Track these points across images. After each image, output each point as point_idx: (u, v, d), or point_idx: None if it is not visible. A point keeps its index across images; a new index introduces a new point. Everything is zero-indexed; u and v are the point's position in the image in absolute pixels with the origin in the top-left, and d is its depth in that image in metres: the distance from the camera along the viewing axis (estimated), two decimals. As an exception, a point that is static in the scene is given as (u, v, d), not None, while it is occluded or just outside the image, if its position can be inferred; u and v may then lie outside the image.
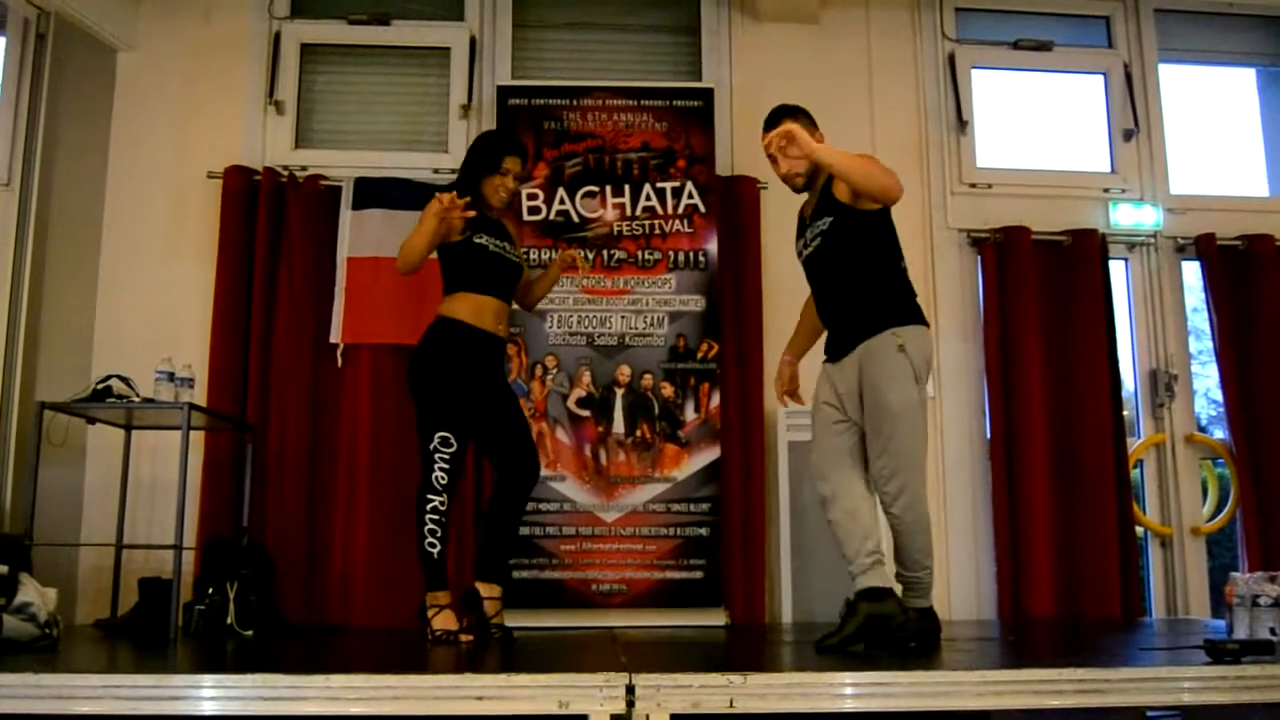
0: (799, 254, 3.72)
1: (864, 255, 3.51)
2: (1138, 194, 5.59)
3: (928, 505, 3.46)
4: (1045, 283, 5.30)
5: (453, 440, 3.71)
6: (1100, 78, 5.77)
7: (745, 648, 3.87)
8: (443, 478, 3.70)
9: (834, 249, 3.53)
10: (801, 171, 3.57)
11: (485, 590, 3.81)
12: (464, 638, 3.65)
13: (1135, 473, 5.36)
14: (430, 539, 3.69)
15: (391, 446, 4.91)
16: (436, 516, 3.69)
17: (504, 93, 5.19)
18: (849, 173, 3.37)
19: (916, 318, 3.52)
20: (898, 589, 3.43)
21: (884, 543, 3.45)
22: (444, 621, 3.68)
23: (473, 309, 3.78)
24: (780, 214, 5.26)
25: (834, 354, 3.59)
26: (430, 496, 3.69)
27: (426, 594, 3.74)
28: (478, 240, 3.82)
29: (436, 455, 3.71)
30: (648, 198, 5.03)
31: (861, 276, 3.51)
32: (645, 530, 4.80)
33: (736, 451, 5.00)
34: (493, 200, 3.87)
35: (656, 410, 4.90)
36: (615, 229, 5.04)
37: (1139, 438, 5.40)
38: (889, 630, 3.29)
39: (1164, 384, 5.37)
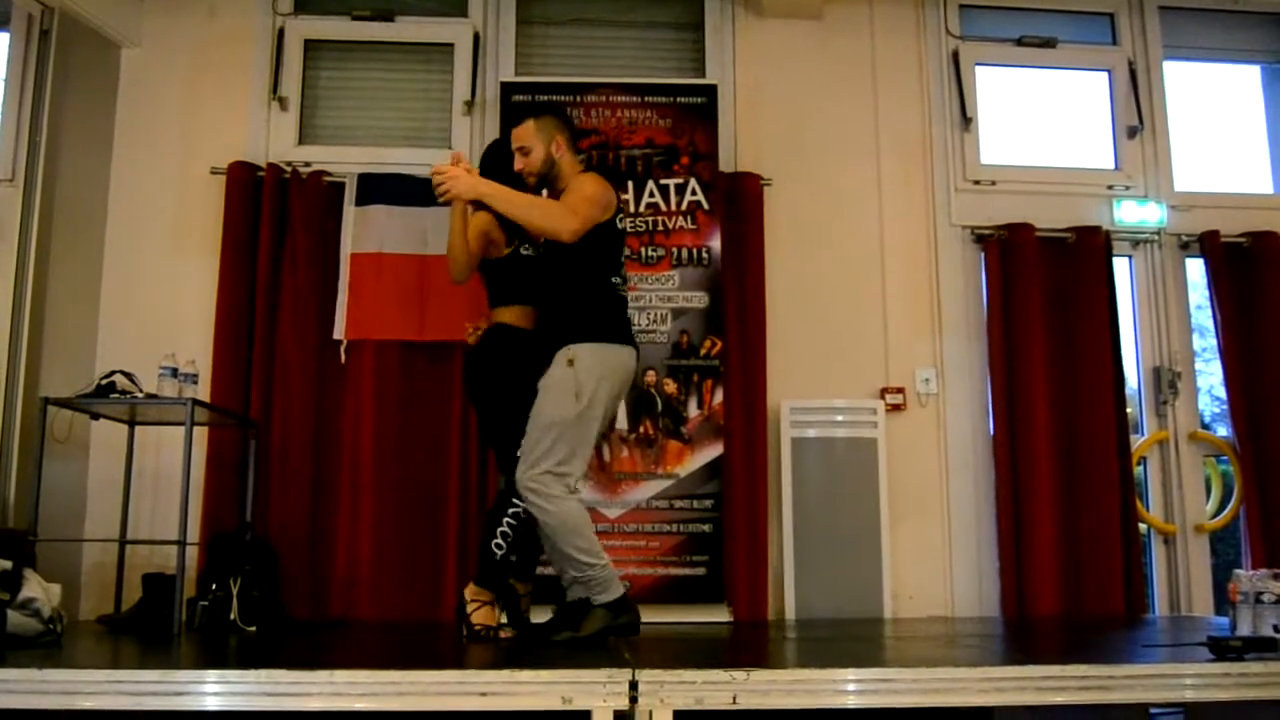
0: (537, 247, 3.83)
1: (567, 270, 3.62)
2: (1142, 191, 5.58)
3: (568, 509, 3.48)
4: (1049, 280, 5.29)
5: None
6: (1105, 74, 5.76)
7: (748, 644, 3.88)
8: None
9: (550, 257, 3.67)
10: (533, 171, 3.70)
11: (523, 588, 3.82)
12: (504, 634, 3.66)
13: (1139, 470, 5.35)
14: (499, 540, 3.66)
15: (395, 442, 4.93)
16: (514, 523, 3.65)
17: (508, 89, 5.19)
18: (509, 214, 3.56)
19: (602, 336, 3.57)
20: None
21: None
22: (484, 617, 3.68)
23: (527, 318, 3.80)
24: (784, 211, 5.29)
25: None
26: (516, 501, 3.62)
27: (470, 586, 3.73)
28: (524, 251, 3.85)
29: None
30: (651, 194, 5.03)
31: (559, 291, 3.64)
32: (648, 527, 4.80)
33: (739, 448, 4.99)
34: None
35: (659, 407, 4.90)
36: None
37: (1142, 435, 5.40)
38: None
39: (1167, 381, 5.37)
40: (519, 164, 3.71)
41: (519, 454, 3.52)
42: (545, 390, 3.53)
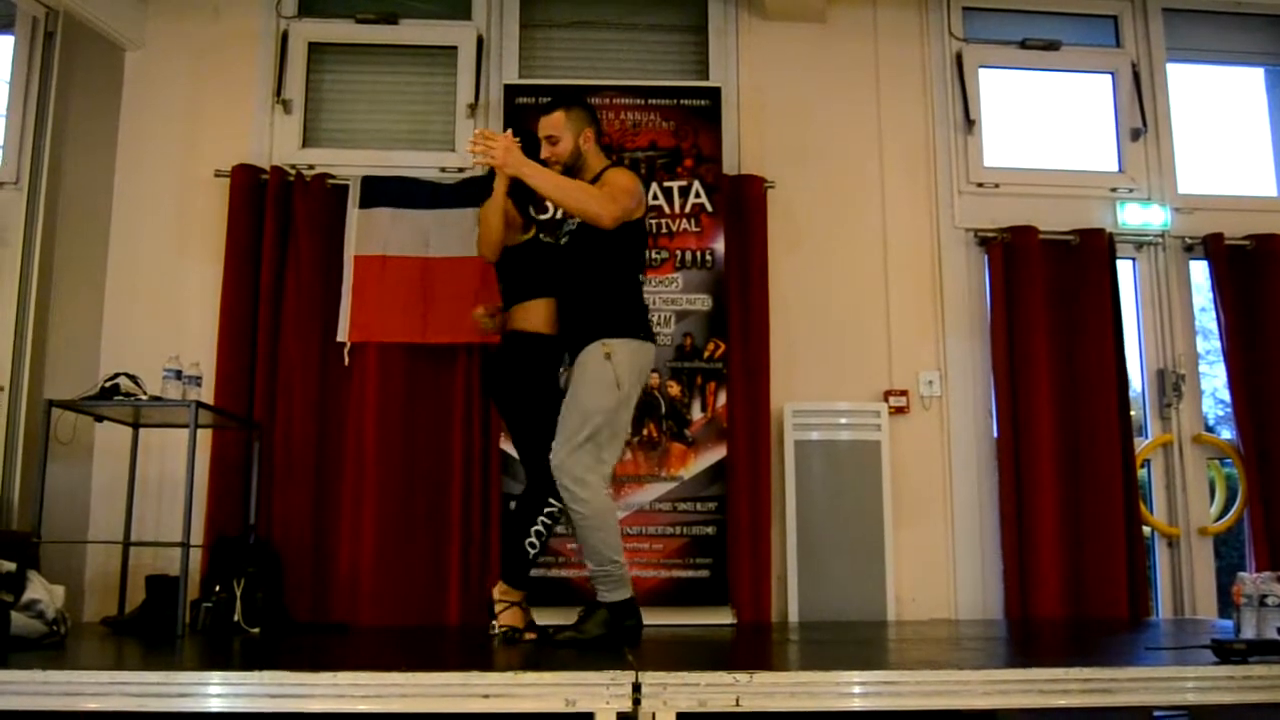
0: (558, 237, 3.82)
1: (600, 263, 3.62)
2: (1145, 193, 5.58)
3: (605, 502, 3.55)
4: (1053, 282, 5.29)
5: None
6: (1108, 77, 5.76)
7: (751, 646, 3.88)
8: None
9: (578, 249, 3.66)
10: (560, 161, 3.68)
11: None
12: (528, 635, 3.66)
13: (1142, 472, 5.35)
14: (533, 538, 3.64)
15: (398, 444, 4.93)
16: (549, 522, 3.65)
17: (511, 92, 5.20)
18: (551, 195, 3.59)
19: (634, 331, 3.60)
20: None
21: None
22: (511, 618, 3.67)
23: (546, 317, 3.75)
24: (787, 213, 5.30)
25: (569, 362, 3.70)
26: (552, 501, 3.63)
27: (499, 585, 3.72)
28: (544, 239, 3.83)
29: None
30: (654, 197, 5.03)
31: (592, 285, 3.63)
32: (652, 529, 4.80)
33: (743, 450, 4.99)
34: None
35: (663, 409, 4.90)
36: (622, 228, 5.04)
37: (1146, 437, 5.39)
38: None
39: (1171, 384, 5.36)
40: (545, 152, 3.68)
41: (555, 442, 3.52)
42: (582, 382, 3.54)
